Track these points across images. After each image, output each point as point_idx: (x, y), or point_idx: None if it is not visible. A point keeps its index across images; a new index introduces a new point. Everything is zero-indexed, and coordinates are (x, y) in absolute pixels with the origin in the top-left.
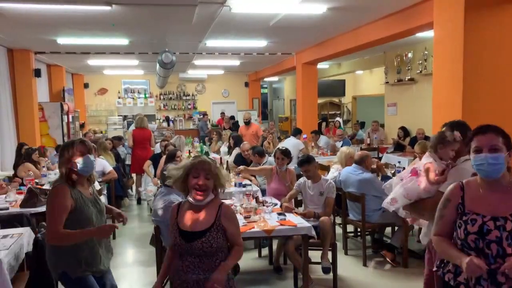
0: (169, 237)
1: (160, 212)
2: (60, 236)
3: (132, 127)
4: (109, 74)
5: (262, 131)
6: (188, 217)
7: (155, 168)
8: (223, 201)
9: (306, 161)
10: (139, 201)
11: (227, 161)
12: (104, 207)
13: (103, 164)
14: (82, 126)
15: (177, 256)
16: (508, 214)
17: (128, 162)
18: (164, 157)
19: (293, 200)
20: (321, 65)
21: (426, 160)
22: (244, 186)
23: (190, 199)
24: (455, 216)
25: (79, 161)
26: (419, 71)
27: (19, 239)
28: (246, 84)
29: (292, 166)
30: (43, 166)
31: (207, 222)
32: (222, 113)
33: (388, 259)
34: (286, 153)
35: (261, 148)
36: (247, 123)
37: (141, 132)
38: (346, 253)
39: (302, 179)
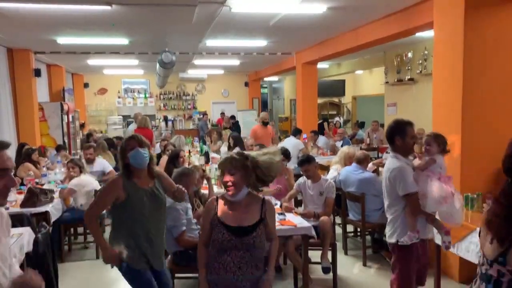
0: (199, 234)
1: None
2: (89, 221)
3: (132, 126)
4: (109, 74)
5: None
6: (231, 213)
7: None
8: (266, 197)
9: (306, 160)
10: None
11: None
12: (164, 203)
13: (103, 164)
14: (82, 126)
15: (213, 253)
16: None
17: None
18: (164, 157)
19: (293, 200)
20: (321, 65)
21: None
22: None
23: (226, 196)
24: None
25: (130, 155)
26: (419, 71)
27: (19, 239)
28: (246, 84)
29: (292, 166)
30: (43, 166)
31: (254, 217)
32: (222, 113)
33: (388, 259)
34: (285, 154)
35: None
36: (266, 123)
37: (142, 132)
38: (346, 253)
39: (302, 179)
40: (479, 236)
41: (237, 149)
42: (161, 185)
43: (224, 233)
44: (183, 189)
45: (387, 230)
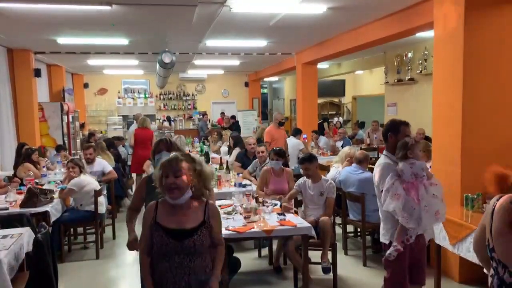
0: (144, 241)
1: None
2: (127, 213)
3: (133, 126)
4: (109, 74)
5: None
6: (172, 216)
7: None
8: (209, 200)
9: (308, 159)
10: None
11: (227, 161)
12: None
13: (103, 164)
14: (82, 126)
15: (155, 259)
16: None
17: (129, 162)
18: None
19: (293, 201)
20: (321, 65)
21: (407, 167)
22: (244, 186)
23: (167, 198)
24: None
25: (156, 157)
26: (419, 71)
27: (19, 239)
28: (246, 84)
29: (292, 166)
30: (43, 166)
31: (196, 220)
32: (222, 113)
33: None
34: (280, 153)
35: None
36: (282, 124)
37: (143, 132)
38: (346, 253)
39: (302, 179)
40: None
41: (237, 149)
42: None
43: (163, 237)
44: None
45: (381, 229)
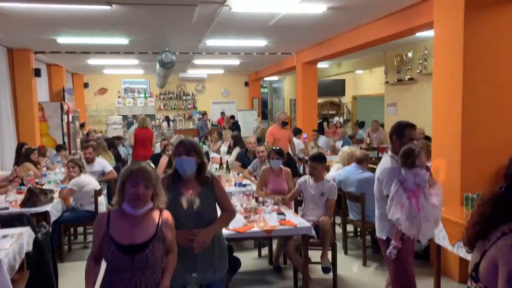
0: (93, 249)
1: None
2: None
3: (133, 127)
4: (109, 74)
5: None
6: (124, 229)
7: (155, 167)
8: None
9: (318, 158)
10: None
11: (227, 161)
12: (206, 214)
13: (103, 164)
14: (82, 126)
15: (106, 269)
16: None
17: (129, 162)
18: (164, 156)
19: (293, 202)
20: (321, 65)
21: (410, 175)
22: (244, 185)
23: (127, 209)
24: None
25: (175, 160)
26: (419, 71)
27: (19, 239)
28: (246, 84)
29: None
30: (43, 166)
31: (148, 233)
32: (222, 113)
33: None
34: (280, 153)
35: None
36: (285, 124)
37: (143, 132)
38: (346, 253)
39: (303, 178)
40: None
41: (237, 149)
42: (213, 193)
43: (114, 252)
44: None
45: (376, 225)
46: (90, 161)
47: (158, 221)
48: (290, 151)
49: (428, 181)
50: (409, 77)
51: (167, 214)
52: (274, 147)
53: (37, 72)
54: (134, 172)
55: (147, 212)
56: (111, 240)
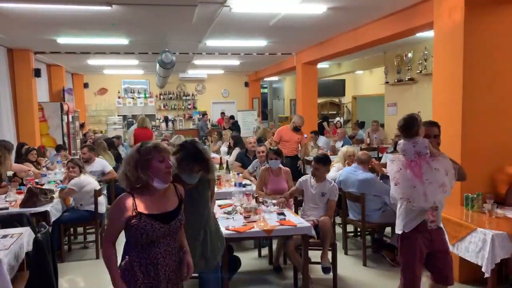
0: (113, 234)
1: None
2: None
3: (133, 127)
4: (109, 74)
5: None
6: (153, 203)
7: None
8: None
9: (323, 160)
10: None
11: (227, 161)
12: (201, 200)
13: (103, 164)
14: (82, 126)
15: (138, 249)
16: None
17: None
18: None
19: (292, 200)
20: (321, 65)
21: (409, 145)
22: (244, 186)
23: (158, 185)
24: None
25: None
26: (419, 71)
27: (19, 239)
28: (246, 84)
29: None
30: (43, 166)
31: (174, 202)
32: (222, 113)
33: (388, 259)
34: (277, 153)
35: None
36: (297, 129)
37: (142, 132)
38: (346, 253)
39: (304, 177)
40: None
41: (237, 149)
42: (207, 185)
43: (153, 224)
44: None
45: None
46: (86, 161)
47: (177, 190)
48: (299, 154)
49: (433, 152)
50: (409, 77)
51: (180, 184)
52: (271, 147)
53: (37, 72)
54: (160, 148)
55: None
56: (144, 215)
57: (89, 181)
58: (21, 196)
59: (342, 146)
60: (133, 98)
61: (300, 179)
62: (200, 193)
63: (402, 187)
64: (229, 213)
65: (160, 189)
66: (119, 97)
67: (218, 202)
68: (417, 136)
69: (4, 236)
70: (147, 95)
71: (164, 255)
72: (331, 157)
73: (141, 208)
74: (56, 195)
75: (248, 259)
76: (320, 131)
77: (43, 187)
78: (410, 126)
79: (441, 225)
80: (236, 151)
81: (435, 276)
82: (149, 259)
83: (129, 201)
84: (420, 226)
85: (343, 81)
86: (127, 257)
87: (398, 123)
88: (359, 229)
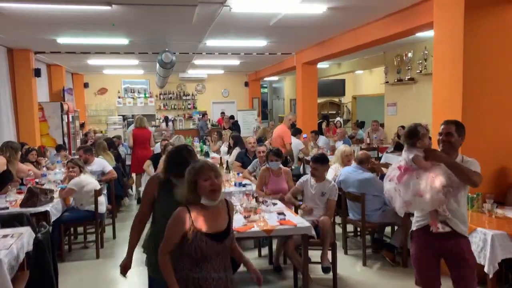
0: (169, 246)
1: None
2: (134, 226)
3: (132, 127)
4: (109, 74)
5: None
6: (206, 220)
7: (155, 167)
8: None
9: (320, 160)
10: (139, 201)
11: (227, 161)
12: None
13: (103, 164)
14: (82, 126)
15: (191, 262)
16: None
17: (128, 162)
18: (164, 157)
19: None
20: (321, 65)
21: (406, 154)
22: (244, 185)
23: (206, 202)
24: None
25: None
26: (419, 71)
27: (19, 238)
28: (246, 84)
29: (292, 166)
30: (43, 166)
31: (225, 220)
32: (222, 113)
33: (388, 259)
34: (278, 154)
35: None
36: (294, 125)
37: (141, 132)
38: (346, 253)
39: (304, 177)
40: None
41: (237, 149)
42: None
43: (207, 241)
44: None
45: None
46: (85, 161)
47: (227, 207)
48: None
49: (423, 167)
50: (409, 77)
51: (230, 201)
52: (271, 149)
53: (37, 72)
54: (205, 167)
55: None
56: (200, 232)
57: (89, 181)
58: (21, 196)
59: None
60: (133, 98)
61: (300, 179)
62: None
63: (388, 184)
64: None
65: (214, 204)
66: (119, 97)
67: None
68: (414, 147)
69: (4, 236)
70: (147, 95)
71: (217, 270)
72: (330, 157)
73: (197, 224)
74: (56, 195)
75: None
76: (320, 131)
77: (43, 187)
78: (409, 136)
79: (461, 232)
80: (236, 151)
81: (452, 281)
82: (201, 273)
83: (187, 216)
84: (427, 227)
85: (343, 81)
86: (181, 269)
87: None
88: (359, 229)
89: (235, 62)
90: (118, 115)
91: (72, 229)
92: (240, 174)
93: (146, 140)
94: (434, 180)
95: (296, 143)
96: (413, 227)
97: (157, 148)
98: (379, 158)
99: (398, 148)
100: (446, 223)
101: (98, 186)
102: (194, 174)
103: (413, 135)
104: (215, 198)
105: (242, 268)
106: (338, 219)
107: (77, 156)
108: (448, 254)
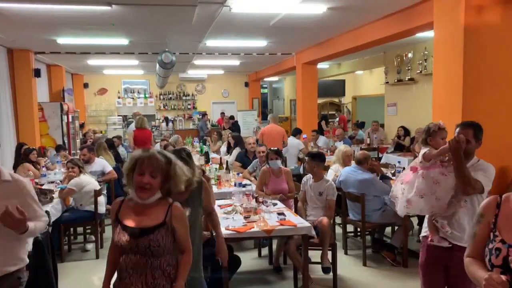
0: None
1: None
2: None
3: (132, 126)
4: (109, 74)
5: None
6: (133, 214)
7: None
8: (174, 202)
9: (318, 156)
10: None
11: (227, 161)
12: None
13: (103, 164)
14: (82, 126)
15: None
16: None
17: None
18: None
19: (292, 200)
20: (321, 65)
21: (420, 153)
22: (244, 186)
23: (134, 197)
24: (487, 236)
25: None
26: (419, 71)
27: None
28: (246, 84)
29: (292, 166)
30: (43, 166)
31: (155, 220)
32: (222, 113)
33: (388, 259)
34: (278, 153)
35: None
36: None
37: (142, 132)
38: (346, 253)
39: (305, 178)
40: None
41: (237, 149)
42: (200, 196)
43: (120, 233)
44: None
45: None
46: (86, 161)
47: (167, 212)
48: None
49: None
50: (409, 77)
51: (176, 207)
52: (271, 148)
53: (37, 73)
54: (143, 160)
55: (158, 202)
56: (119, 223)
57: (89, 181)
58: None
59: None
60: (133, 98)
61: (302, 181)
62: (191, 208)
63: (398, 185)
64: (229, 213)
65: (144, 203)
66: (119, 97)
67: (218, 202)
68: (426, 144)
69: None
70: (147, 95)
71: (130, 272)
72: (330, 157)
73: (122, 215)
74: (56, 195)
75: (248, 259)
76: (320, 131)
77: (43, 187)
78: (423, 133)
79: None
80: (236, 151)
81: None
82: (119, 267)
83: (116, 205)
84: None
85: (343, 81)
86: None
87: None
88: (359, 229)
89: (235, 62)
90: (118, 115)
91: (72, 229)
92: (240, 174)
93: (147, 141)
94: (439, 185)
95: (296, 143)
96: (422, 233)
97: (157, 148)
98: (379, 159)
99: (398, 148)
100: (444, 238)
101: (97, 187)
102: (131, 163)
103: (424, 132)
104: (142, 197)
105: (242, 268)
106: (338, 219)
107: (77, 156)
108: (448, 265)
